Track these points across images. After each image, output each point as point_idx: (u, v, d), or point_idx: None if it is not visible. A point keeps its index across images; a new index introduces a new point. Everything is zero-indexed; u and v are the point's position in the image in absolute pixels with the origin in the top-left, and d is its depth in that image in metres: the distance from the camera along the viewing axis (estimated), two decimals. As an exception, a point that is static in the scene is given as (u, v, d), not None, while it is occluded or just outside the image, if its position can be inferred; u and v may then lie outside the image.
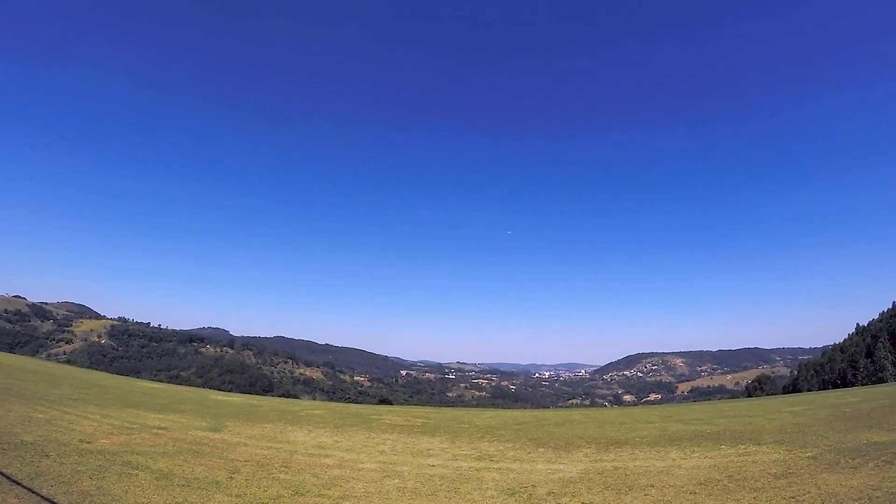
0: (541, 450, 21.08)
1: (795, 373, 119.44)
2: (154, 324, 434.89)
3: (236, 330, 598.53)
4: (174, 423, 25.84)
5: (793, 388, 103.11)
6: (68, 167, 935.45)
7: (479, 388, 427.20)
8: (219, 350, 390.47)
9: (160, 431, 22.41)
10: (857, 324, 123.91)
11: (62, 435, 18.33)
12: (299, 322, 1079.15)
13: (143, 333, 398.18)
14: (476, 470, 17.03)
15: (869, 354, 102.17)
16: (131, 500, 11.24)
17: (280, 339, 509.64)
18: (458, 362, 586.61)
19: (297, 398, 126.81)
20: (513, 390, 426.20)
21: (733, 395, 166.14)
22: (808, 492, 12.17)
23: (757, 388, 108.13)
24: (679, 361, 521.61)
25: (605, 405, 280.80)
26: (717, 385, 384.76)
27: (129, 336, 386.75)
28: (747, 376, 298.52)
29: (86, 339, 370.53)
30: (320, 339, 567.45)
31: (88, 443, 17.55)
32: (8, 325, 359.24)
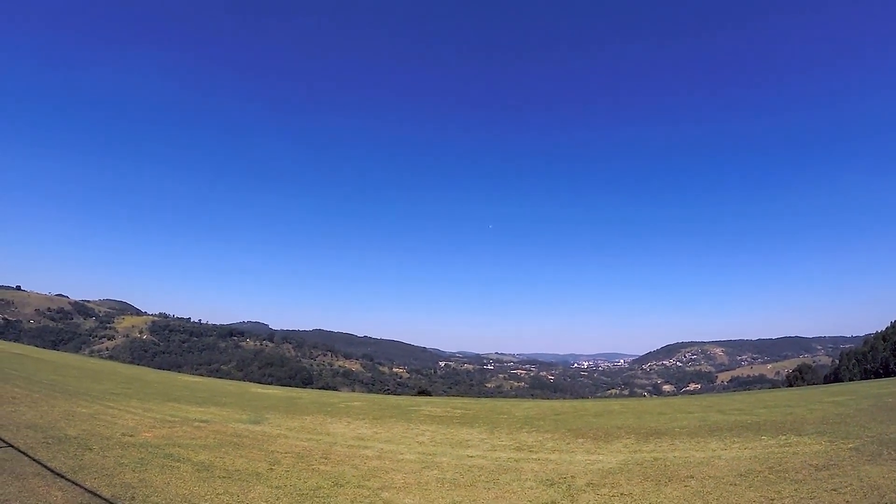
0: (580, 440, 20.93)
1: (837, 362, 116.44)
2: (194, 319, 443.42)
3: (276, 324, 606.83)
4: (215, 416, 26.28)
5: (834, 377, 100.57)
6: (108, 168, 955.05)
7: (518, 378, 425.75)
8: (258, 344, 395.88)
9: (201, 424, 22.81)
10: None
11: (105, 429, 18.79)
12: (338, 315, 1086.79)
13: (184, 328, 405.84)
14: (515, 461, 16.98)
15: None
16: (173, 491, 11.46)
17: (319, 332, 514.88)
18: (496, 353, 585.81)
19: (337, 390, 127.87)
20: (551, 380, 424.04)
21: (774, 384, 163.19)
22: (850, 484, 11.88)
23: (798, 378, 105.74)
24: (719, 351, 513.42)
25: (644, 395, 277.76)
26: (757, 374, 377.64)
27: (170, 331, 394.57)
28: (788, 365, 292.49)
29: (127, 335, 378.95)
30: (359, 332, 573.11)
31: (131, 436, 17.96)
32: (51, 324, 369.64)
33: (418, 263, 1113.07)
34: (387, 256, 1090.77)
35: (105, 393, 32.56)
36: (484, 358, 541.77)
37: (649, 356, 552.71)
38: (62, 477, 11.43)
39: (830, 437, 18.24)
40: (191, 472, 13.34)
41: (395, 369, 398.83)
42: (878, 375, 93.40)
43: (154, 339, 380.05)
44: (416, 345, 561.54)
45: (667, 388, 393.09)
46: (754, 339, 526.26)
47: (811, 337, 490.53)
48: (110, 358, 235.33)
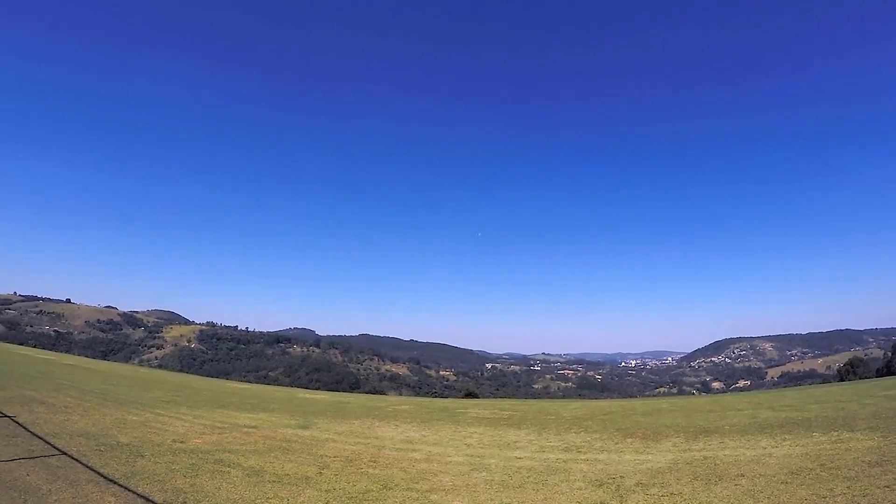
0: (628, 440, 20.69)
1: (889, 354, 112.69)
2: (242, 327, 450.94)
3: (322, 330, 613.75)
4: (264, 422, 26.67)
5: (887, 370, 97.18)
6: (155, 182, 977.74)
7: (565, 378, 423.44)
8: (305, 350, 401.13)
9: (251, 430, 23.16)
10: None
11: (156, 436, 19.20)
12: (384, 320, 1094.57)
13: (232, 336, 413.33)
14: (563, 461, 16.86)
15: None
16: (224, 496, 11.64)
17: (365, 337, 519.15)
18: (543, 353, 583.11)
19: (384, 394, 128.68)
20: (599, 380, 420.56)
21: (825, 379, 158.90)
22: (903, 481, 11.51)
23: (849, 372, 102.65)
24: (768, 346, 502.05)
25: (693, 393, 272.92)
26: (807, 369, 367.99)
27: (218, 339, 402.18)
28: (839, 359, 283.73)
29: (176, 344, 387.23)
30: (405, 336, 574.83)
31: (181, 442, 18.31)
32: (101, 334, 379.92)
33: (464, 266, 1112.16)
34: (432, 260, 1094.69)
35: (155, 401, 33.29)
36: (531, 359, 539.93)
37: (697, 353, 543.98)
38: (115, 483, 11.70)
39: (884, 432, 17.73)
40: (241, 477, 13.54)
41: (441, 372, 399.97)
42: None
43: (202, 347, 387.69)
44: (462, 347, 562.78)
45: (716, 385, 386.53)
46: (804, 333, 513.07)
47: (862, 329, 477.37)
48: (159, 367, 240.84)
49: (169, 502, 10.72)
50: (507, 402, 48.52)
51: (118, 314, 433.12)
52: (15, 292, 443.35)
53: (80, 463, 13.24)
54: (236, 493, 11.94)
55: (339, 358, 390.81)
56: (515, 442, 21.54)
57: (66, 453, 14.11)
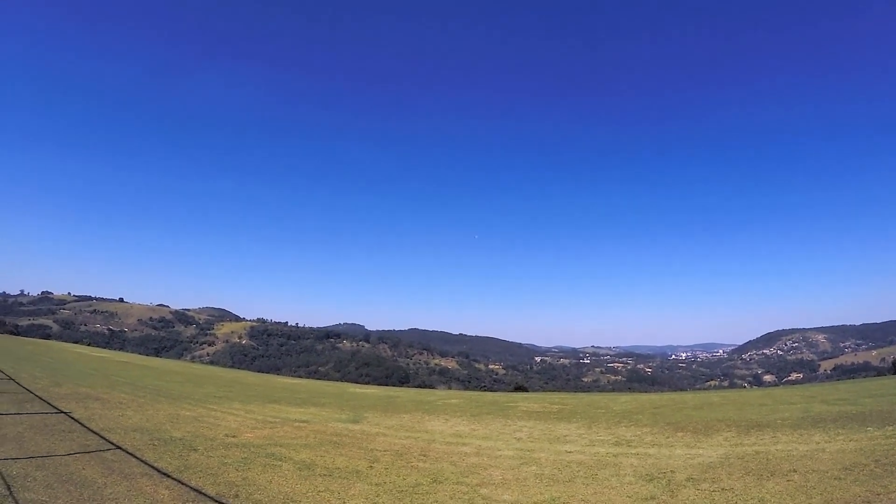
0: (679, 434, 20.36)
1: None
2: (292, 323, 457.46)
3: (371, 325, 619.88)
4: (315, 416, 27.02)
5: None
6: (206, 181, 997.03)
7: (615, 371, 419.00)
8: (355, 345, 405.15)
9: (301, 424, 23.47)
10: None
11: (208, 430, 19.61)
12: (433, 314, 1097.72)
13: (282, 332, 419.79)
14: (613, 456, 16.68)
15: None
16: (275, 489, 11.82)
17: (414, 332, 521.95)
18: (592, 346, 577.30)
19: (433, 388, 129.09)
20: (649, 373, 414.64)
21: (879, 371, 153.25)
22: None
23: None
24: (821, 337, 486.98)
25: (745, 386, 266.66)
26: (861, 362, 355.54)
27: (269, 335, 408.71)
28: (894, 351, 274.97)
29: (227, 341, 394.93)
30: (454, 330, 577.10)
31: (233, 437, 18.66)
32: (154, 332, 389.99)
33: (513, 259, 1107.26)
34: (481, 253, 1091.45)
35: (207, 396, 34.03)
36: (580, 352, 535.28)
37: (749, 345, 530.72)
38: (168, 476, 11.98)
39: (940, 427, 17.14)
40: (292, 471, 13.73)
41: (490, 366, 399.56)
42: None
43: (253, 343, 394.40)
44: (511, 341, 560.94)
45: (767, 378, 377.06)
46: (858, 324, 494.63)
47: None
48: (211, 363, 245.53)
49: (221, 495, 10.92)
50: (556, 396, 48.17)
51: (170, 312, 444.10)
52: (69, 293, 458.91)
53: (135, 457, 13.59)
54: (287, 487, 12.11)
55: (389, 352, 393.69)
56: (565, 436, 21.40)
57: (120, 448, 14.50)
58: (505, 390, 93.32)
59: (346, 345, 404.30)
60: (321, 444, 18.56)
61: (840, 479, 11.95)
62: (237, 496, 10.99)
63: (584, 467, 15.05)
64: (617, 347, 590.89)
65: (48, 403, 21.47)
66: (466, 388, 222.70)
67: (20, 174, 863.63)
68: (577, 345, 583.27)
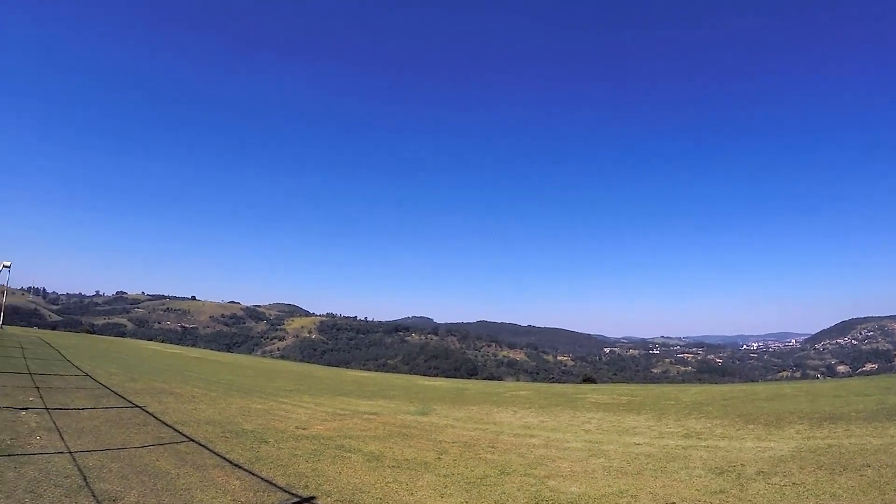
0: (750, 426, 19.75)
1: None
2: (360, 317, 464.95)
3: (440, 317, 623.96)
4: (384, 409, 27.31)
5: None
6: (270, 180, 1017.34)
7: (685, 362, 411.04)
8: (423, 337, 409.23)
9: (371, 417, 23.74)
10: None
11: (279, 423, 19.99)
12: (501, 306, 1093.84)
13: (351, 326, 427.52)
14: (683, 448, 16.29)
15: None
16: (345, 480, 11.94)
17: (482, 324, 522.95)
18: (661, 337, 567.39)
19: (502, 380, 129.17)
20: (719, 364, 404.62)
21: None
22: None
23: None
24: None
25: (818, 377, 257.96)
26: None
27: (338, 330, 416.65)
28: None
29: (297, 336, 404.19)
30: (522, 321, 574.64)
31: (304, 429, 18.98)
32: (225, 328, 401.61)
33: (581, 250, 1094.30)
34: (548, 245, 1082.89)
35: (278, 390, 34.75)
36: (649, 343, 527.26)
37: (822, 335, 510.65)
38: (240, 467, 12.23)
39: None
40: (361, 462, 13.86)
41: (559, 357, 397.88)
42: None
43: (322, 337, 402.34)
44: (580, 332, 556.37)
45: (841, 368, 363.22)
46: None
47: None
48: (281, 357, 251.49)
49: (292, 486, 11.09)
50: (625, 388, 47.52)
51: (241, 308, 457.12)
52: (143, 292, 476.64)
53: (207, 449, 13.92)
54: (357, 478, 12.22)
55: (457, 345, 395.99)
56: (634, 428, 21.07)
57: (193, 440, 14.88)
58: (573, 382, 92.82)
59: (414, 338, 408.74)
60: (390, 435, 18.71)
61: (915, 474, 11.42)
62: (307, 486, 11.15)
63: (653, 460, 14.76)
64: (687, 338, 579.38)
65: (123, 398, 22.23)
66: (534, 380, 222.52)
67: (95, 178, 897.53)
68: (647, 335, 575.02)
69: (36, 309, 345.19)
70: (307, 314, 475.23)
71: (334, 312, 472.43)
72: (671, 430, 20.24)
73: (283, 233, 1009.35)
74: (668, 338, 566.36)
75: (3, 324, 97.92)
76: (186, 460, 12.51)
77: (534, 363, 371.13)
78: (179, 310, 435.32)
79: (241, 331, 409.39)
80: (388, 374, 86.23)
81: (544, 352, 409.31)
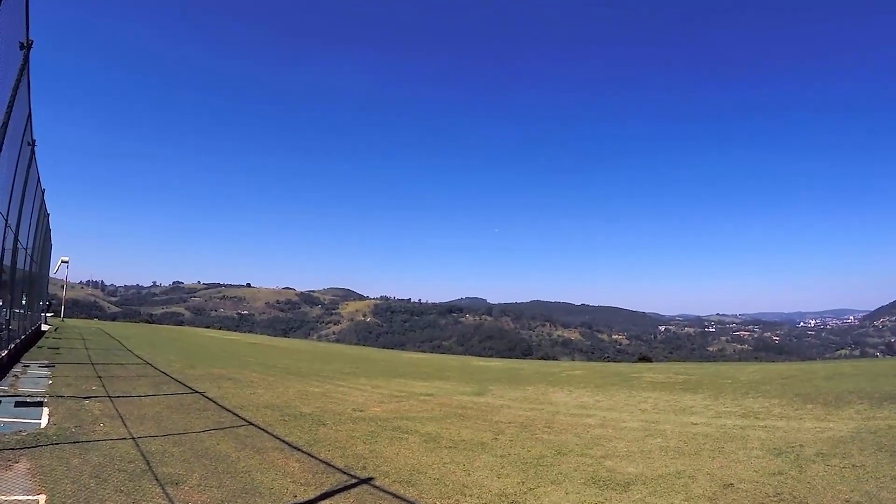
0: (808, 406, 19.23)
1: None
2: (414, 299, 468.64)
3: (493, 298, 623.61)
4: (439, 390, 27.49)
5: None
6: (322, 166, 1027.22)
7: (741, 340, 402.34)
8: (478, 318, 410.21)
9: (427, 398, 23.93)
10: None
11: (336, 405, 20.28)
12: (555, 285, 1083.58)
13: (405, 309, 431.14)
14: (740, 428, 15.97)
15: None
16: (402, 461, 12.05)
17: (536, 303, 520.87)
18: (717, 314, 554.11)
19: (556, 360, 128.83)
20: (776, 342, 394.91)
21: None
22: None
23: None
24: None
25: (877, 355, 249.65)
26: None
27: (392, 312, 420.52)
28: None
29: (352, 319, 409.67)
30: (576, 300, 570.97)
31: (361, 411, 19.22)
32: (281, 314, 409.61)
33: (634, 225, 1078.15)
34: (601, 223, 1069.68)
35: (334, 373, 35.26)
36: (705, 320, 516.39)
37: (882, 311, 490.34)
38: (299, 450, 12.44)
39: None
40: (418, 443, 13.98)
41: (614, 336, 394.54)
42: None
43: (377, 320, 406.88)
44: (634, 310, 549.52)
45: None
46: None
47: None
48: (337, 341, 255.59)
49: (350, 467, 11.24)
50: (681, 366, 46.95)
51: (296, 294, 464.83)
52: (199, 281, 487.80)
53: (266, 432, 14.19)
54: (414, 459, 12.32)
55: (511, 325, 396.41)
56: (691, 407, 20.80)
57: (252, 424, 15.19)
58: (628, 361, 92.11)
59: (468, 319, 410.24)
60: (446, 416, 18.83)
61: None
62: (365, 468, 11.28)
63: (710, 440, 14.53)
64: (743, 315, 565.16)
65: (183, 385, 22.82)
66: (589, 360, 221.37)
67: (149, 172, 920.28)
68: (702, 312, 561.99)
69: (95, 301, 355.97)
70: (361, 298, 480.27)
71: (388, 295, 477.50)
72: (728, 409, 19.94)
73: (336, 218, 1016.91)
74: (723, 315, 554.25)
75: (64, 316, 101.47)
76: (246, 443, 12.77)
77: (588, 342, 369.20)
78: (235, 297, 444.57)
79: (296, 316, 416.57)
80: (442, 356, 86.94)
81: (599, 331, 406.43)
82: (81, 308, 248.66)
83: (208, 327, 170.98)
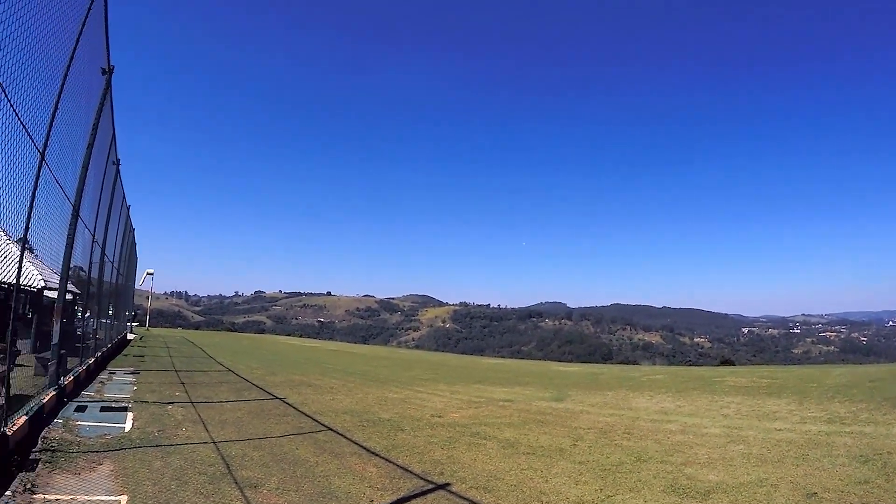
0: None
1: None
2: (493, 305, 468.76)
3: (573, 302, 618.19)
4: (518, 396, 27.28)
5: None
6: (401, 175, 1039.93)
7: (827, 341, 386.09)
8: (557, 323, 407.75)
9: (505, 403, 23.78)
10: None
11: (415, 411, 20.37)
12: (635, 287, 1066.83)
13: (484, 314, 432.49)
14: (826, 434, 15.24)
15: None
16: (480, 467, 11.98)
17: (617, 307, 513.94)
18: (802, 314, 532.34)
19: (637, 364, 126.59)
20: (864, 343, 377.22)
21: None
22: None
23: None
24: None
25: None
26: None
27: (471, 318, 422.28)
28: None
29: (431, 326, 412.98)
30: (657, 302, 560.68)
31: (439, 417, 19.24)
32: (361, 321, 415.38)
33: (714, 224, 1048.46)
34: (680, 222, 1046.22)
35: (413, 379, 35.45)
36: (789, 321, 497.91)
37: None
38: (377, 455, 12.52)
39: None
40: (496, 449, 13.88)
41: (695, 339, 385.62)
42: None
43: (456, 326, 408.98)
44: (716, 311, 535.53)
45: None
46: None
47: None
48: (416, 347, 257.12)
49: (428, 472, 11.23)
50: (765, 370, 45.35)
51: (375, 301, 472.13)
52: (280, 290, 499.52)
53: (345, 437, 14.35)
54: (492, 465, 12.23)
55: (591, 329, 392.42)
56: (774, 412, 20.03)
57: (331, 429, 15.38)
58: (710, 364, 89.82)
59: (547, 323, 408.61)
60: (525, 422, 18.65)
61: None
62: (442, 473, 11.26)
63: (795, 446, 13.92)
64: (828, 315, 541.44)
65: (264, 391, 23.36)
66: (670, 364, 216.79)
67: (229, 185, 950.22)
68: (786, 313, 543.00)
69: (179, 311, 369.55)
70: (440, 304, 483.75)
71: (467, 301, 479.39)
72: (813, 414, 19.14)
73: (415, 225, 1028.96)
74: (808, 315, 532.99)
75: (149, 326, 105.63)
76: (325, 448, 12.93)
77: (669, 346, 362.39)
78: (315, 305, 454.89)
79: (376, 323, 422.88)
80: (522, 361, 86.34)
81: (680, 334, 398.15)
82: (166, 318, 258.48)
83: (289, 335, 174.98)
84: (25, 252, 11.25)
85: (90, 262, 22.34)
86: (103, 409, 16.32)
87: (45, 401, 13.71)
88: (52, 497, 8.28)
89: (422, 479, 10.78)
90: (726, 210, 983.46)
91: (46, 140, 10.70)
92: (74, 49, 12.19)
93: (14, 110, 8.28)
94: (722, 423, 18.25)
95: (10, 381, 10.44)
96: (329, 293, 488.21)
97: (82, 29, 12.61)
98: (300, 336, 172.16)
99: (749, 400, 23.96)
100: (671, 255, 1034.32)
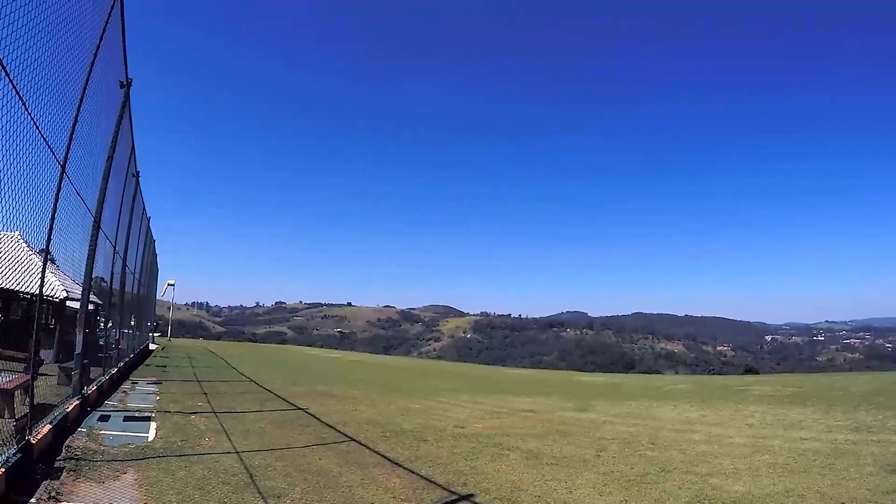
0: None
1: None
2: (514, 315, 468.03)
3: (594, 311, 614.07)
4: (541, 406, 27.24)
5: None
6: (422, 188, 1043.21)
7: (852, 349, 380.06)
8: (579, 332, 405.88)
9: (528, 414, 23.74)
10: None
11: (438, 422, 20.38)
12: (657, 296, 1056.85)
13: (505, 324, 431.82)
14: (853, 443, 15.04)
15: None
16: (503, 478, 11.96)
17: (638, 316, 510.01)
18: (826, 321, 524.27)
19: (660, 373, 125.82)
20: (889, 349, 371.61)
21: None
22: None
23: None
24: None
25: None
26: None
27: (492, 328, 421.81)
28: None
29: (452, 336, 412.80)
30: (679, 311, 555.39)
31: (462, 427, 19.24)
32: (382, 332, 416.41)
33: (735, 231, 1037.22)
34: (700, 225, 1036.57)
35: (435, 389, 35.49)
36: (813, 328, 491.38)
37: None
38: (400, 466, 12.53)
39: None
40: (520, 460, 13.85)
41: (719, 348, 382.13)
42: None
43: (477, 337, 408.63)
44: (739, 319, 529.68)
45: None
46: None
47: None
48: (437, 358, 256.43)
49: (451, 483, 11.23)
50: (789, 378, 44.91)
51: (396, 312, 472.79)
52: (301, 301, 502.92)
53: (368, 448, 14.38)
54: (515, 475, 12.21)
55: (613, 339, 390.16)
56: (800, 421, 19.83)
57: (354, 440, 15.43)
58: (734, 373, 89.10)
59: (569, 333, 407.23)
60: (548, 433, 18.60)
61: None
62: (465, 484, 11.25)
63: (821, 456, 13.76)
64: (853, 321, 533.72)
65: (286, 401, 23.48)
66: (693, 373, 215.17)
67: (250, 197, 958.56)
68: (810, 320, 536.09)
69: (201, 322, 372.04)
70: (461, 314, 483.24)
71: (488, 311, 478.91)
72: (839, 423, 18.92)
73: (436, 236, 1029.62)
74: (832, 322, 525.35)
75: (171, 336, 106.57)
76: (348, 459, 12.97)
77: (692, 355, 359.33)
78: (336, 316, 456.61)
79: (397, 333, 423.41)
80: (544, 371, 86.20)
81: (703, 342, 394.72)
82: (187, 328, 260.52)
83: (310, 346, 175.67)
84: (48, 263, 11.43)
85: (112, 273, 22.61)
86: (127, 419, 16.49)
87: (68, 410, 13.89)
88: (78, 505, 8.40)
89: (445, 489, 10.78)
90: (748, 217, 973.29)
91: (67, 152, 10.85)
92: (93, 62, 12.37)
93: (34, 123, 8.39)
94: (747, 433, 18.10)
95: (34, 391, 10.58)
96: (350, 304, 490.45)
97: (100, 42, 12.80)
98: (321, 346, 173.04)
99: (774, 409, 23.75)
100: (692, 263, 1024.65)
